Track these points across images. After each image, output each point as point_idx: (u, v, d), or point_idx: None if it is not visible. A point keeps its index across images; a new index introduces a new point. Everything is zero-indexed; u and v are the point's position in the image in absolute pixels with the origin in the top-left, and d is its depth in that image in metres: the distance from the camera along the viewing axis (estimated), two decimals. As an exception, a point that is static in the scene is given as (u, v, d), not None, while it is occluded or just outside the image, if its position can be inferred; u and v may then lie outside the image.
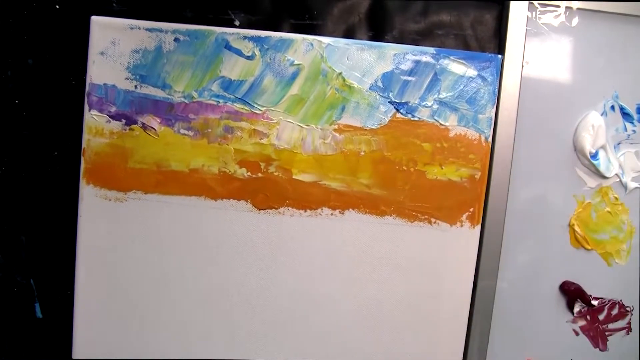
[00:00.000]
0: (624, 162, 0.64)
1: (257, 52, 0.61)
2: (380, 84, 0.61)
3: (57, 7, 0.65)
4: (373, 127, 0.62)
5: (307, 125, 0.62)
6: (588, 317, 0.68)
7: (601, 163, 0.63)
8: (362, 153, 0.62)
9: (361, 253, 0.63)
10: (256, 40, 0.61)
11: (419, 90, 0.62)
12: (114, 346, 0.65)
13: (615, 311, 0.69)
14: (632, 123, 0.64)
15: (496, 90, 0.61)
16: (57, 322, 0.68)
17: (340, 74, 0.61)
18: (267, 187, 0.63)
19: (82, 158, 0.62)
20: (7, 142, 0.67)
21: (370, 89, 0.62)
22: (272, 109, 0.62)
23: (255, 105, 0.62)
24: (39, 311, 0.69)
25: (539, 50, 0.63)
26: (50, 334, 0.69)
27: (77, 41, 0.63)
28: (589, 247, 0.67)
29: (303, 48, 0.61)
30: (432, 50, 0.61)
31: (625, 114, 0.64)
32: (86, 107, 0.62)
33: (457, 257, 0.63)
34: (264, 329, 0.65)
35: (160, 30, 0.61)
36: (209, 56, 0.61)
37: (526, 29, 0.61)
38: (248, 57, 0.61)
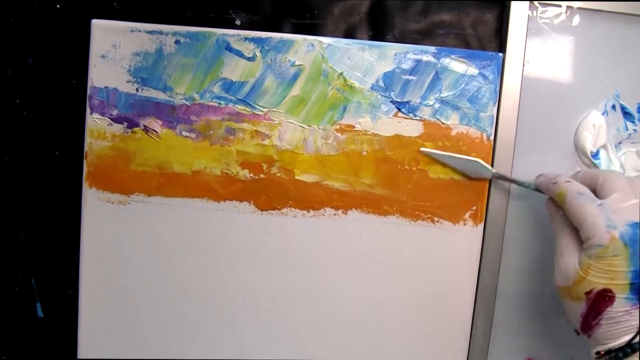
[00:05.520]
0: (625, 161, 0.64)
1: (258, 54, 0.61)
2: (381, 83, 0.61)
3: (58, 6, 0.64)
4: (375, 127, 0.62)
5: (309, 126, 0.62)
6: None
7: (602, 162, 0.63)
8: (365, 153, 0.62)
9: (364, 253, 0.64)
10: (257, 41, 0.61)
11: (420, 89, 0.62)
12: (118, 348, 0.66)
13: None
14: (633, 122, 0.64)
15: (497, 88, 0.61)
16: (58, 321, 0.69)
17: (341, 74, 0.61)
18: (270, 188, 0.63)
19: (85, 161, 0.62)
20: (7, 142, 0.67)
21: (371, 88, 0.62)
22: (274, 110, 0.62)
23: (257, 107, 0.62)
24: (40, 311, 0.69)
25: (539, 50, 0.62)
26: (52, 334, 0.69)
27: (77, 40, 0.63)
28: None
29: (304, 49, 0.61)
30: (433, 49, 0.61)
31: (626, 114, 0.64)
32: (88, 110, 0.62)
33: (460, 256, 0.63)
34: (268, 330, 0.65)
35: (161, 33, 0.61)
36: (210, 58, 0.61)
37: (527, 29, 0.61)
38: (249, 59, 0.61)
